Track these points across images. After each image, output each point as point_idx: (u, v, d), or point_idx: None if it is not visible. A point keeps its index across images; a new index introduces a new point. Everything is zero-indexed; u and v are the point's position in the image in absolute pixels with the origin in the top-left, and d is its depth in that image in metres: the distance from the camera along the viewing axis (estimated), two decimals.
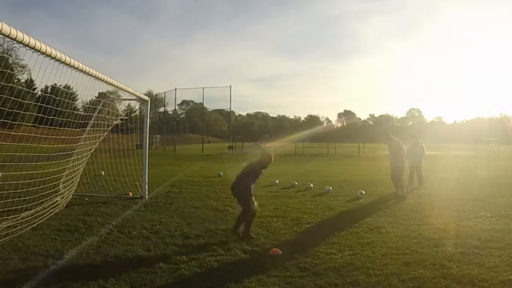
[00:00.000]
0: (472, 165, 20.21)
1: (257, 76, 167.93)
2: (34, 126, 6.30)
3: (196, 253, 4.72)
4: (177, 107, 63.14)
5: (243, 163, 6.08)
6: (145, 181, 8.91)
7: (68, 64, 5.00)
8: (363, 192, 9.33)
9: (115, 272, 4.03)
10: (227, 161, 22.57)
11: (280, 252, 4.72)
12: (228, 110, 41.89)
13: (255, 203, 5.56)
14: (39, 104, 5.99)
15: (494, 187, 11.02)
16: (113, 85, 6.95)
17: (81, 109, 22.59)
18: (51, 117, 5.97)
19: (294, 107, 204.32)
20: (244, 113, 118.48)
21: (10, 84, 5.57)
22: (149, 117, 9.71)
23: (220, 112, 70.66)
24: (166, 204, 8.03)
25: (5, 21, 3.63)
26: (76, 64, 5.17)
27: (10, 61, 35.88)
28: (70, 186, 7.74)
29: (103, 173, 11.10)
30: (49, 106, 5.77)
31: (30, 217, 5.64)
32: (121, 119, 11.42)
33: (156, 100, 51.67)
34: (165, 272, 4.07)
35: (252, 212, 5.46)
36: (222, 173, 13.98)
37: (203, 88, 41.19)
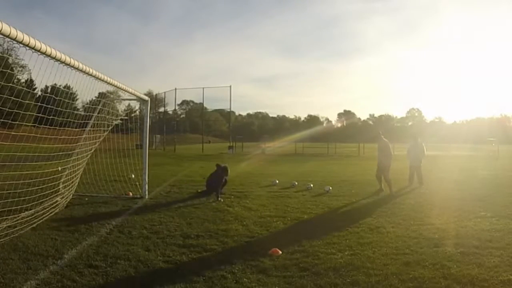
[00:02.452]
0: (472, 165, 20.22)
1: (257, 76, 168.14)
2: (34, 126, 6.30)
3: (196, 253, 4.72)
4: (177, 107, 63.25)
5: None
6: (145, 181, 8.91)
7: (68, 64, 5.00)
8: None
9: (115, 272, 4.03)
10: (227, 161, 22.54)
11: (280, 252, 4.72)
12: (228, 110, 41.89)
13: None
14: (39, 104, 5.98)
15: (494, 187, 11.03)
16: (113, 85, 6.95)
17: (81, 109, 22.58)
18: (51, 117, 5.96)
19: (294, 107, 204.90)
20: (244, 113, 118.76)
21: (10, 84, 5.57)
22: (149, 117, 9.71)
23: (220, 112, 70.65)
24: (166, 204, 8.03)
25: (6, 21, 3.63)
26: (76, 64, 5.17)
27: (10, 61, 35.85)
28: (70, 186, 7.74)
29: (133, 176, 10.72)
30: (49, 106, 5.76)
31: (30, 217, 5.64)
32: (121, 119, 11.41)
33: (156, 100, 51.63)
34: (165, 272, 4.07)
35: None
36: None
37: (203, 88, 41.18)
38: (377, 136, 10.56)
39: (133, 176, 10.76)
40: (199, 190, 9.66)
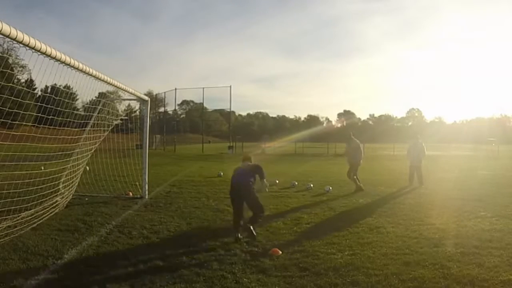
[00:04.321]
0: (472, 165, 20.22)
1: (257, 76, 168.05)
2: (34, 126, 6.30)
3: (196, 253, 4.72)
4: (177, 107, 63.29)
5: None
6: (145, 181, 8.91)
7: (68, 64, 5.00)
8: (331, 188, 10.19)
9: (115, 272, 4.04)
10: (227, 161, 22.53)
11: (280, 252, 4.72)
12: (228, 110, 41.90)
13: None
14: (39, 104, 5.99)
15: (494, 187, 11.03)
16: (113, 85, 6.94)
17: (81, 109, 22.59)
18: (51, 117, 5.96)
19: (294, 107, 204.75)
20: (244, 113, 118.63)
21: (10, 84, 5.57)
22: (149, 117, 9.71)
23: (220, 112, 70.63)
24: (166, 204, 8.03)
25: (8, 21, 3.63)
26: (76, 64, 5.17)
27: (10, 61, 35.86)
28: (70, 186, 7.74)
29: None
30: (49, 106, 5.76)
31: (30, 217, 5.64)
32: (121, 119, 11.41)
33: (156, 100, 51.60)
34: (165, 272, 4.07)
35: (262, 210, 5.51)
36: (222, 173, 13.98)
37: (203, 88, 41.26)
38: (348, 137, 11.03)
39: (43, 168, 10.18)
40: None
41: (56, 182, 7.44)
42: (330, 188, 10.12)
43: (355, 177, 10.49)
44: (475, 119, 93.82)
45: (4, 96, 4.62)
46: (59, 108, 5.89)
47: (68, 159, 7.57)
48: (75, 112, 9.23)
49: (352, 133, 11.28)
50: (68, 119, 6.99)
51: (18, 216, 5.57)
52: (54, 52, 4.54)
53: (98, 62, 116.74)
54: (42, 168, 7.51)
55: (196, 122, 70.01)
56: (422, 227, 6.07)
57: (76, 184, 8.25)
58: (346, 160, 11.04)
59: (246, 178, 5.53)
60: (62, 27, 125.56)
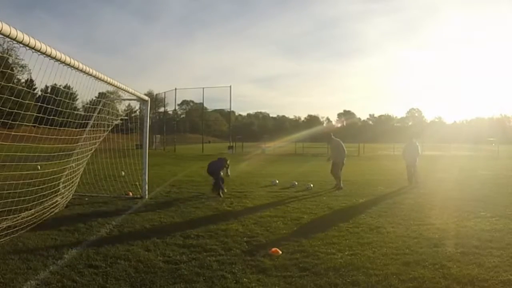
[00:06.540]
0: (472, 165, 20.22)
1: (257, 76, 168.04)
2: (34, 126, 6.30)
3: (196, 253, 4.72)
4: (177, 107, 63.10)
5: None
6: (145, 181, 8.91)
7: (68, 64, 5.00)
8: (312, 185, 10.66)
9: (115, 272, 4.03)
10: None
11: (280, 252, 4.72)
12: (228, 110, 41.90)
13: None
14: (39, 104, 5.99)
15: (494, 187, 11.03)
16: (113, 85, 6.95)
17: (81, 109, 22.57)
18: (51, 117, 5.96)
19: (294, 107, 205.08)
20: (244, 113, 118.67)
21: (10, 84, 5.57)
22: (149, 117, 9.71)
23: (220, 112, 70.71)
24: (166, 204, 8.03)
25: (8, 21, 3.64)
26: (76, 64, 5.17)
27: (10, 61, 35.85)
28: (70, 186, 7.74)
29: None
30: (49, 106, 5.76)
31: (30, 217, 5.64)
32: (121, 119, 11.40)
33: (156, 100, 51.58)
34: (165, 272, 4.07)
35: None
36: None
37: (203, 88, 41.19)
38: (329, 137, 11.52)
39: (39, 167, 8.74)
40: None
41: (56, 182, 7.44)
42: (311, 185, 10.68)
43: (338, 173, 10.81)
44: (475, 119, 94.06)
45: (4, 96, 4.61)
46: (59, 108, 5.90)
47: (68, 159, 7.57)
48: (75, 112, 9.22)
49: (332, 133, 11.75)
50: (68, 119, 6.99)
51: (18, 216, 5.57)
52: (54, 52, 4.54)
53: (98, 62, 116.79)
54: (39, 167, 7.49)
55: (196, 122, 69.98)
56: (422, 227, 6.07)
57: (76, 184, 8.25)
58: (329, 158, 11.60)
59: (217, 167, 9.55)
60: (62, 27, 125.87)
